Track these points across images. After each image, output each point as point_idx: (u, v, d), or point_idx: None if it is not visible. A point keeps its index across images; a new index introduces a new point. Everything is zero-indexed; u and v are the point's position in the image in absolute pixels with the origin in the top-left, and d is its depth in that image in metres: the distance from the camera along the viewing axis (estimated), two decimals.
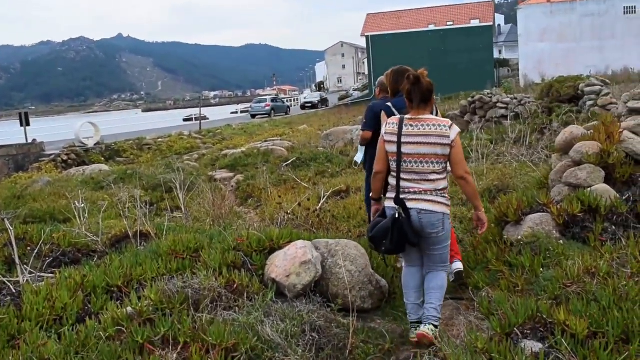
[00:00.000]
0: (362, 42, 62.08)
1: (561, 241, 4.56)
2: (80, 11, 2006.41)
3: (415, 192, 3.86)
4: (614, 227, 4.64)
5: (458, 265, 4.81)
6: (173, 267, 4.67)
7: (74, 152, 24.96)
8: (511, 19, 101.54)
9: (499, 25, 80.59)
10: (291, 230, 4.69)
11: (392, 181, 3.97)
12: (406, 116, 3.97)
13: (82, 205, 7.83)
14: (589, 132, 5.63)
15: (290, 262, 3.99)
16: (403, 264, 4.27)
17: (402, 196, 3.88)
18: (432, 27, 53.62)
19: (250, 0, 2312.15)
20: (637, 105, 8.76)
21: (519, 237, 4.68)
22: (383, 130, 4.04)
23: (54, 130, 35.63)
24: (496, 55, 62.30)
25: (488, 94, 18.02)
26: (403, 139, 3.87)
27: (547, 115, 14.13)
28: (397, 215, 3.85)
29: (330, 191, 9.09)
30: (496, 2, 61.28)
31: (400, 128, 3.90)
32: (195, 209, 9.38)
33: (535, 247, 4.52)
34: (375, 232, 3.96)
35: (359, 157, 6.48)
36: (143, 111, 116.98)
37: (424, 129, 3.86)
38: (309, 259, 3.99)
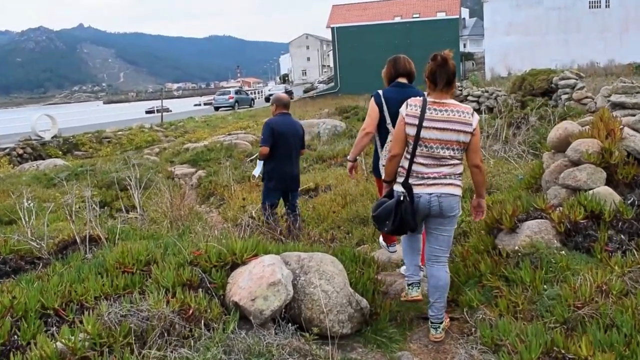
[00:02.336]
0: (328, 34, 61.37)
1: (563, 252, 4.03)
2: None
3: (434, 177, 3.78)
4: (620, 236, 4.13)
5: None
6: (120, 284, 4.00)
7: (30, 145, 23.84)
8: (475, 12, 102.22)
9: (463, 18, 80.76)
10: (257, 240, 4.04)
11: (405, 163, 3.87)
12: (429, 99, 3.82)
13: (30, 205, 7.14)
14: (585, 129, 5.11)
15: (256, 283, 3.35)
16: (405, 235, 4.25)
17: (415, 181, 3.82)
18: (398, 20, 53.22)
19: None
20: (621, 99, 8.38)
21: (516, 248, 4.13)
22: (404, 111, 3.85)
23: (10, 122, 34.23)
24: (461, 48, 62.39)
25: (458, 87, 17.61)
26: (425, 124, 3.74)
27: (521, 109, 13.75)
28: (401, 198, 3.82)
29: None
30: None
31: (423, 111, 3.76)
32: (152, 208, 8.68)
33: (534, 259, 3.98)
34: (380, 212, 3.94)
35: (257, 171, 6.83)
36: (104, 103, 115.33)
37: (448, 114, 3.75)
38: (278, 279, 3.35)
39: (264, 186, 6.87)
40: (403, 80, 4.84)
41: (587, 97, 12.89)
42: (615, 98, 8.53)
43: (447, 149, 3.74)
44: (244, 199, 8.13)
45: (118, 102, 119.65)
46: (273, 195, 6.70)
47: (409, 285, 4.28)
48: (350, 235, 6.47)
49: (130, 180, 8.06)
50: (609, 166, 4.64)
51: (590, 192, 4.45)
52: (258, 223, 5.67)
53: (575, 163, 4.78)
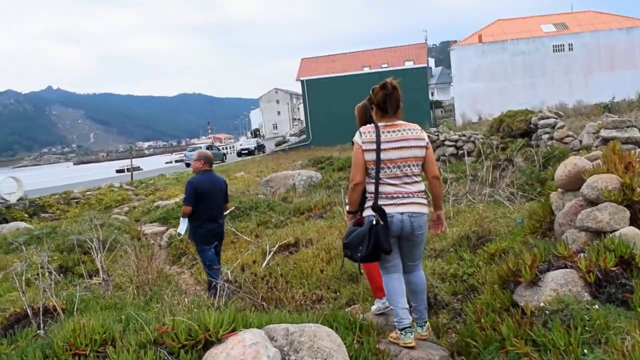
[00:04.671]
0: (297, 88, 61.75)
1: (596, 306, 3.41)
2: (7, 63, 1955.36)
3: (403, 196, 3.94)
4: None
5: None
6: None
7: None
8: (441, 61, 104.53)
9: (430, 67, 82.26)
10: (234, 312, 3.34)
11: (371, 188, 3.99)
12: (380, 123, 4.03)
13: None
14: (596, 164, 4.58)
15: None
16: (385, 273, 4.17)
17: (384, 202, 3.92)
18: (367, 70, 53.68)
19: (183, 48, 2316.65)
20: (613, 134, 7.97)
21: (541, 304, 3.50)
22: (359, 140, 4.00)
23: None
24: (429, 97, 63.11)
25: (435, 132, 17.28)
26: (383, 146, 3.93)
27: (502, 151, 13.37)
28: (374, 222, 3.87)
29: (276, 245, 7.78)
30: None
31: (378, 135, 3.95)
32: (118, 272, 7.91)
33: (565, 316, 3.34)
34: (352, 239, 3.96)
35: (181, 228, 7.01)
36: (75, 164, 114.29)
37: (402, 134, 3.99)
38: None
39: (196, 246, 7.04)
40: None
41: (568, 136, 12.57)
42: (606, 133, 8.15)
43: (408, 166, 3.96)
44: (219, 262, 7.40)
45: (88, 162, 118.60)
46: (206, 250, 6.80)
47: (401, 330, 4.06)
48: (338, 294, 5.79)
49: (92, 242, 7.34)
50: (631, 204, 4.09)
51: (615, 234, 3.88)
52: (235, 286, 4.97)
53: (593, 202, 4.22)
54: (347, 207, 4.23)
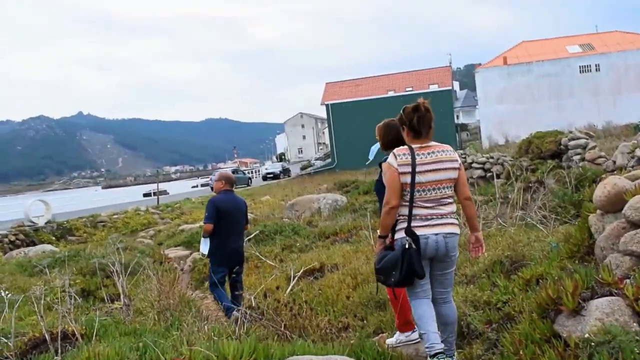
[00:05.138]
0: (322, 112, 61.81)
1: None
2: (39, 89, 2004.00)
3: (438, 218, 3.91)
4: None
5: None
6: None
7: (23, 232, 22.97)
8: (465, 85, 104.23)
9: (455, 91, 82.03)
10: (255, 342, 3.15)
11: (404, 211, 3.94)
12: (413, 145, 4.00)
13: (7, 295, 6.39)
14: (638, 183, 4.32)
15: None
16: (415, 299, 4.02)
17: (418, 224, 3.88)
18: (391, 94, 53.58)
19: (209, 75, 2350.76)
20: None
21: (586, 335, 3.23)
22: (394, 162, 3.95)
23: (5, 209, 33.71)
24: (454, 120, 62.76)
25: (462, 154, 17.01)
26: (418, 168, 3.90)
27: (531, 173, 13.04)
28: (407, 246, 3.81)
29: (301, 270, 7.57)
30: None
31: (413, 158, 3.91)
32: (140, 297, 7.77)
33: (612, 349, 3.08)
34: (384, 264, 3.91)
35: (204, 248, 6.94)
36: (103, 188, 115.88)
37: (436, 155, 3.97)
38: None
39: (210, 263, 7.05)
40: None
41: (600, 157, 12.21)
42: None
43: (442, 188, 3.93)
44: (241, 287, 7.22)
45: (116, 186, 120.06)
46: (219, 272, 6.81)
47: (432, 356, 3.89)
48: (365, 322, 5.54)
49: (114, 266, 7.22)
50: None
51: None
52: (257, 314, 4.77)
53: (637, 224, 3.95)
54: (378, 232, 4.12)
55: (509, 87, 44.85)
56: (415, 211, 3.88)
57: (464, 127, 65.35)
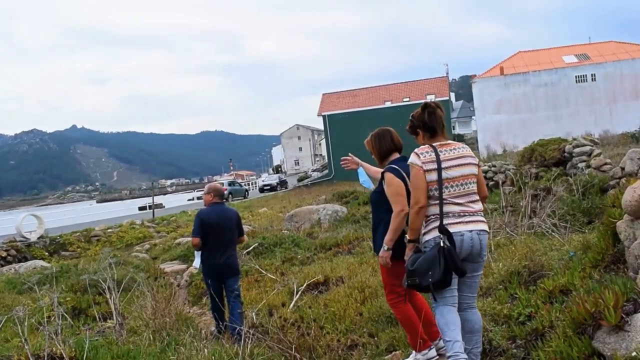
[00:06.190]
0: (318, 124, 61.73)
1: None
2: (32, 103, 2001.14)
3: (470, 215, 3.78)
4: None
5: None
6: None
7: (14, 247, 22.47)
8: (461, 96, 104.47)
9: (450, 102, 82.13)
10: None
11: (433, 210, 3.79)
12: (434, 143, 3.89)
13: None
14: None
15: None
16: (443, 305, 3.81)
17: (451, 221, 3.73)
18: (388, 104, 53.45)
19: (204, 88, 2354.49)
20: None
21: (632, 353, 2.91)
22: (418, 161, 3.80)
23: None
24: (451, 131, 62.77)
25: None
26: (443, 164, 3.78)
27: (536, 181, 12.73)
28: (442, 244, 3.66)
29: (304, 284, 7.22)
30: None
31: (437, 155, 3.80)
32: (134, 314, 7.41)
33: None
34: (419, 265, 3.70)
35: (196, 262, 7.05)
36: (98, 202, 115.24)
37: (458, 151, 3.88)
38: None
39: (204, 278, 7.08)
40: (397, 154, 4.57)
41: (606, 164, 11.92)
42: None
43: (468, 183, 3.82)
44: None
45: (111, 200, 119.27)
46: (211, 284, 6.77)
47: None
48: (376, 339, 5.16)
49: (105, 282, 6.85)
50: None
51: None
52: (260, 332, 4.41)
53: None
54: (407, 236, 3.91)
55: (506, 97, 44.84)
56: (447, 208, 3.73)
57: (460, 138, 65.24)
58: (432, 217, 3.80)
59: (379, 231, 4.43)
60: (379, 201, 4.44)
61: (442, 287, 3.75)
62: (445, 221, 3.71)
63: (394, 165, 4.36)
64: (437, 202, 3.74)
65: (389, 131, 4.68)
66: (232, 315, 6.40)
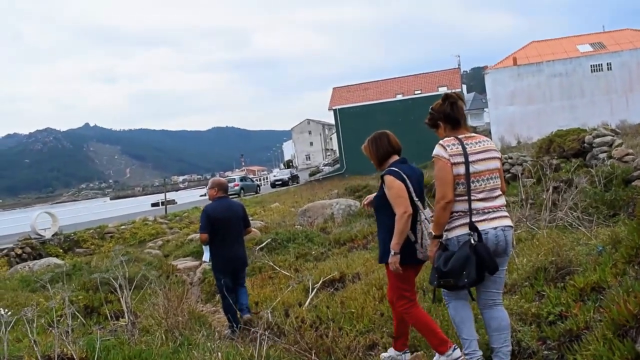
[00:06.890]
0: (329, 118, 61.40)
1: None
2: (45, 102, 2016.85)
3: (494, 211, 3.66)
4: None
5: None
6: None
7: (29, 244, 22.76)
8: (472, 88, 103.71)
9: (462, 93, 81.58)
10: None
11: (460, 206, 3.64)
12: (459, 136, 3.74)
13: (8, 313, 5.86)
14: None
15: None
16: (455, 299, 3.79)
17: (477, 218, 3.59)
18: (400, 97, 53.02)
19: (215, 84, 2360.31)
20: None
21: None
22: (444, 153, 3.64)
23: (13, 222, 33.60)
24: None
25: None
26: (471, 158, 3.63)
27: (555, 172, 12.42)
28: (472, 241, 3.54)
29: (320, 281, 7.00)
30: None
31: (464, 147, 3.64)
32: (146, 313, 7.23)
33: None
34: (453, 264, 3.52)
35: (205, 256, 7.17)
36: (111, 199, 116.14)
37: (483, 144, 3.74)
38: None
39: (214, 273, 7.19)
40: (396, 157, 4.50)
41: (628, 154, 11.60)
42: None
43: (493, 178, 3.70)
44: (256, 304, 6.66)
45: (125, 197, 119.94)
46: (221, 278, 6.81)
47: None
48: None
49: (117, 280, 6.69)
50: None
51: None
52: (276, 334, 4.21)
53: None
54: (432, 232, 3.78)
55: (519, 88, 44.22)
56: (474, 205, 3.61)
57: (473, 130, 64.70)
58: (455, 214, 3.66)
59: (382, 236, 4.35)
60: (381, 205, 4.37)
61: (477, 284, 3.66)
62: (474, 218, 3.60)
63: (393, 168, 4.30)
64: (464, 197, 3.61)
65: (385, 134, 4.60)
66: (241, 304, 6.62)
